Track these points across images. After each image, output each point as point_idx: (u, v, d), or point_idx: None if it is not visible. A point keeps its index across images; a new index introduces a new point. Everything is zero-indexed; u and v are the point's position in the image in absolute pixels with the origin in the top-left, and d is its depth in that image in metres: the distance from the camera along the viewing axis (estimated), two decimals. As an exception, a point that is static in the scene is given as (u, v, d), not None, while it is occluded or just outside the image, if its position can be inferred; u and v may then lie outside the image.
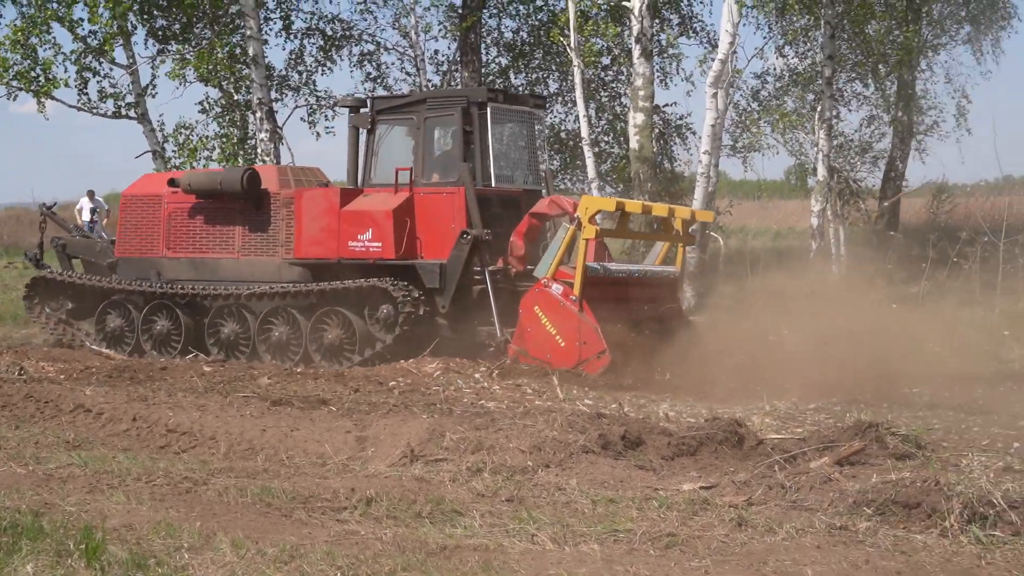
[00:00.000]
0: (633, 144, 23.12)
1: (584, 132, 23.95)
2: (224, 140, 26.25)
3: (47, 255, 20.10)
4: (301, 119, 30.64)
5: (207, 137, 26.47)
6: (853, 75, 29.95)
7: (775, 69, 29.63)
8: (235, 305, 17.26)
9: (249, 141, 25.96)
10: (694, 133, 28.86)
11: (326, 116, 29.84)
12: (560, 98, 29.65)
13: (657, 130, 27.37)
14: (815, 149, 27.02)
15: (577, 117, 25.43)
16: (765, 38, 30.39)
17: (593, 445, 9.67)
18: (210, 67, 24.95)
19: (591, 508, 8.24)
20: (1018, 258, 19.88)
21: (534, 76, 29.80)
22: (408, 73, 30.14)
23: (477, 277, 16.20)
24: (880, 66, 29.04)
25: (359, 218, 16.46)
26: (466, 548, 7.24)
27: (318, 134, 29.30)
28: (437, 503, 8.35)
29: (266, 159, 23.60)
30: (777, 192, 51.97)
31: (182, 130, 26.58)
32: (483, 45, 29.15)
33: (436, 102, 16.82)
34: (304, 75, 29.37)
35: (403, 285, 15.97)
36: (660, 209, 15.89)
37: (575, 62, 22.85)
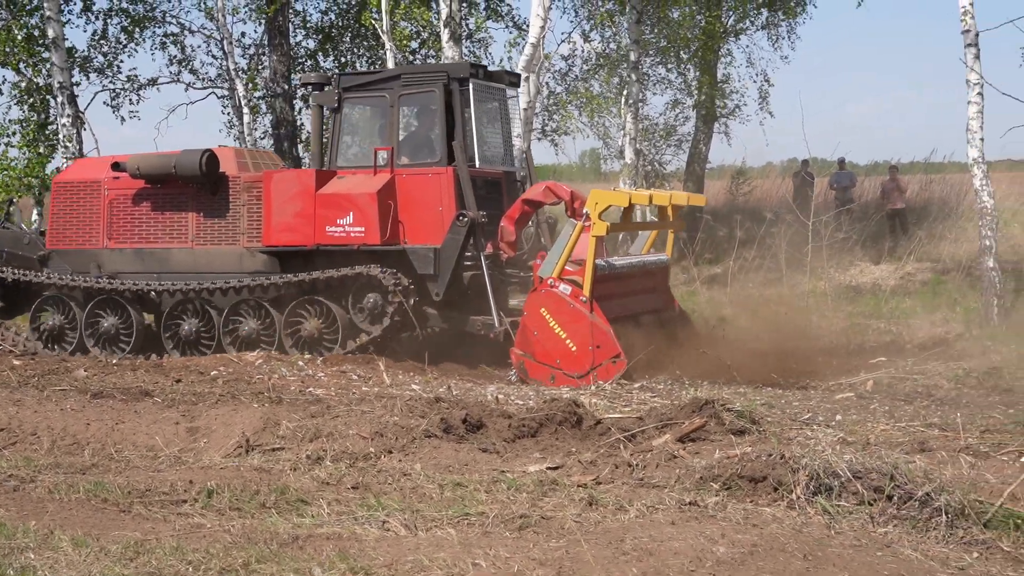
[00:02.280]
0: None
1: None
2: (24, 125, 25.28)
3: None
4: (104, 103, 29.62)
5: (10, 121, 25.50)
6: (658, 60, 30.48)
7: (582, 52, 29.97)
8: (196, 299, 16.12)
9: (50, 126, 25.09)
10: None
11: (131, 100, 29.09)
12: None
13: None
14: (621, 132, 27.39)
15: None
16: (572, 22, 30.70)
17: (435, 429, 9.63)
18: (7, 49, 24.02)
19: (439, 492, 8.20)
20: (823, 239, 20.48)
21: (343, 60, 29.52)
22: (215, 56, 29.62)
23: (468, 263, 15.45)
24: (683, 51, 29.62)
25: (338, 201, 15.43)
26: (319, 537, 7.13)
27: (123, 119, 28.54)
28: (281, 493, 8.22)
29: (68, 145, 22.81)
30: (575, 176, 52.59)
31: (-21, 115, 25.52)
32: (291, 27, 28.73)
33: (412, 78, 15.85)
34: (107, 57, 28.56)
35: (393, 272, 15.11)
36: (661, 197, 15.05)
37: (387, 45, 22.70)
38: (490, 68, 16.87)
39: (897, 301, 20.28)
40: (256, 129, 27.26)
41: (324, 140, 16.29)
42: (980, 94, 17.52)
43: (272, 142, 27.50)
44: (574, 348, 13.75)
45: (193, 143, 41.52)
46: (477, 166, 15.61)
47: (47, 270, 17.13)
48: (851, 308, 19.76)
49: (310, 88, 16.82)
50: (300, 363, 14.61)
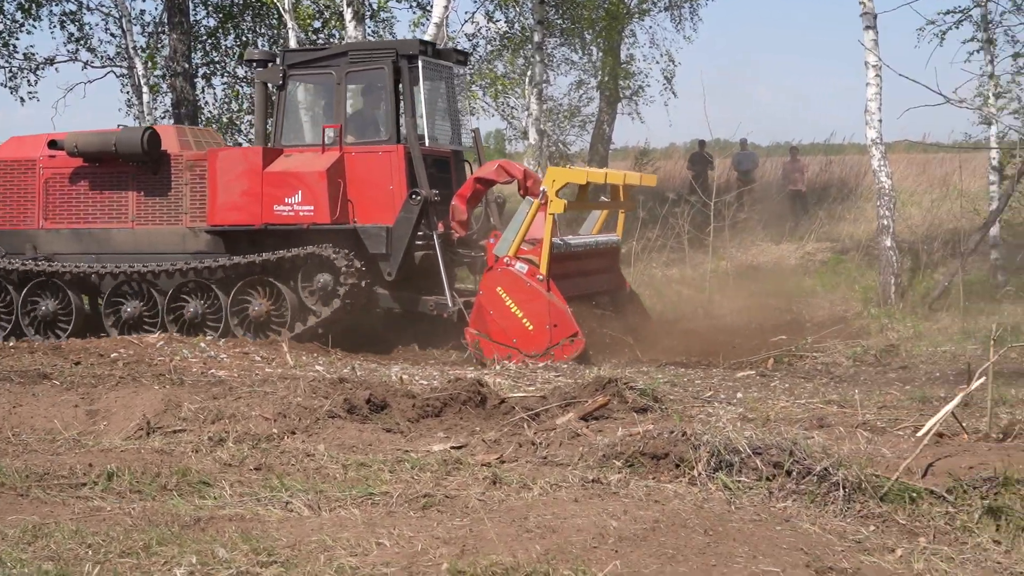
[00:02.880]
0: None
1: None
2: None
3: None
4: (1, 84, 28.94)
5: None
6: (562, 41, 30.54)
7: (487, 32, 29.92)
8: (139, 281, 15.78)
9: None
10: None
11: (28, 81, 28.55)
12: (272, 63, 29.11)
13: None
14: (526, 113, 27.43)
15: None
16: (476, 2, 30.68)
17: (339, 410, 9.60)
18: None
19: (343, 473, 8.18)
20: (724, 219, 20.71)
21: (245, 39, 29.19)
22: (113, 34, 29.16)
23: (419, 243, 15.28)
24: (587, 32, 29.70)
25: (286, 180, 15.20)
26: (221, 519, 7.07)
27: (22, 99, 28.01)
28: (183, 475, 8.13)
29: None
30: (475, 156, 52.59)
31: None
32: (192, 5, 28.30)
33: (360, 55, 15.61)
34: (3, 36, 27.97)
35: (345, 253, 14.91)
36: (616, 176, 15.11)
37: (290, 24, 22.47)
38: (443, 47, 16.77)
39: (797, 280, 20.58)
40: (156, 108, 26.93)
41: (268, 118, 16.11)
42: (879, 76, 17.79)
43: (172, 122, 27.15)
44: (531, 327, 13.73)
45: (92, 123, 40.86)
46: (426, 144, 15.48)
47: None
48: (752, 287, 19.99)
49: (254, 65, 16.58)
50: (202, 344, 14.49)
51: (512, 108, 30.55)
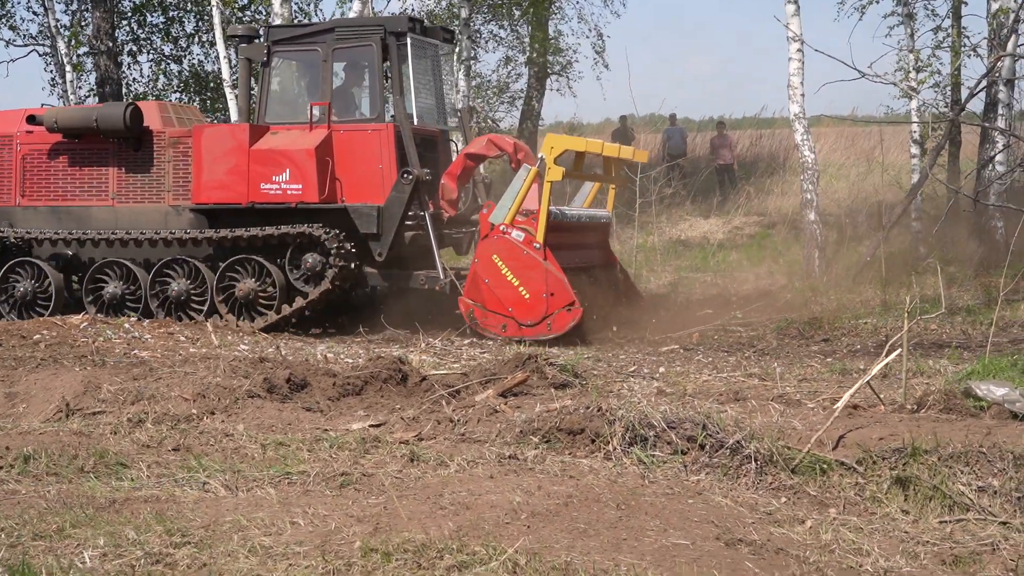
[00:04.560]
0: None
1: (225, 74, 23.34)
2: None
3: None
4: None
5: None
6: (490, 16, 30.49)
7: (413, 9, 29.78)
8: (120, 259, 15.53)
9: None
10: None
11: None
12: (197, 38, 28.94)
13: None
14: (454, 90, 27.40)
15: (218, 57, 24.81)
16: (403, -22, 30.48)
17: (258, 389, 9.57)
18: None
19: (261, 452, 8.17)
20: (651, 194, 20.82)
21: (170, 16, 28.92)
22: (35, 12, 28.78)
23: (410, 222, 15.13)
24: (515, 7, 29.66)
25: (274, 158, 14.98)
26: (136, 500, 7.05)
27: (-58, 78, 27.60)
28: (100, 456, 8.09)
29: None
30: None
31: None
32: (116, -17, 28.04)
33: (347, 32, 15.40)
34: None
35: (335, 233, 14.73)
36: (611, 149, 14.79)
37: (214, 2, 22.30)
38: (430, 25, 16.64)
39: (724, 255, 20.78)
40: (80, 87, 26.62)
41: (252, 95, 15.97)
42: (800, 50, 17.95)
43: (97, 101, 26.85)
44: (527, 296, 13.64)
45: (15, 102, 40.39)
46: (415, 123, 15.36)
47: None
48: (679, 262, 20.17)
49: (236, 41, 16.36)
50: (127, 325, 14.38)
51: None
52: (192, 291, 15.37)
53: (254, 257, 15.12)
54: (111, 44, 26.27)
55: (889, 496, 6.78)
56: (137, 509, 6.82)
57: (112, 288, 15.64)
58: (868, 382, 8.20)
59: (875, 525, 6.42)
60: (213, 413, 9.18)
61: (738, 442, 7.22)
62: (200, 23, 28.41)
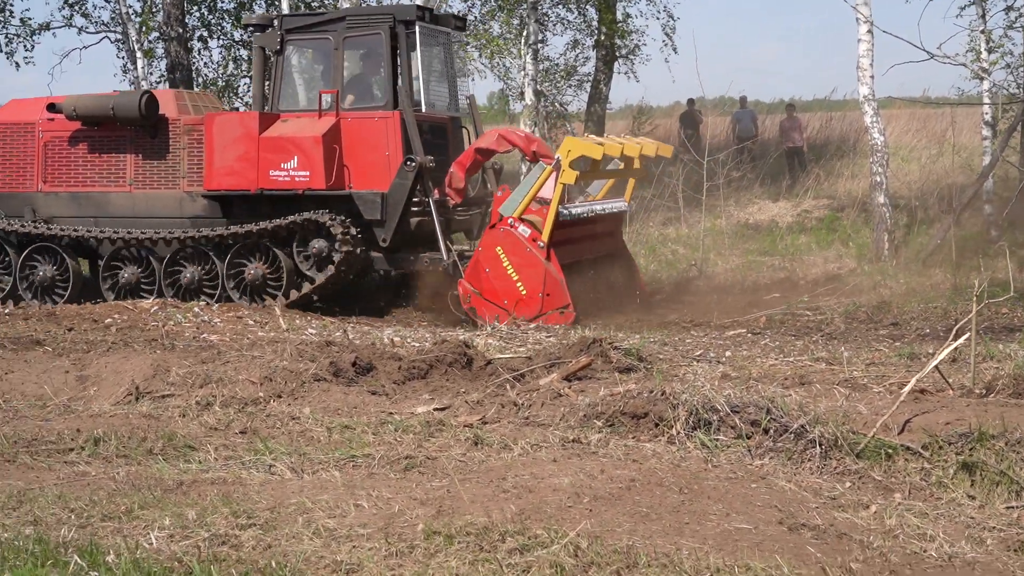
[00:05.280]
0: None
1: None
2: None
3: None
4: (-1, 50, 28.85)
5: None
6: (557, 0, 30.38)
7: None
8: (136, 245, 15.79)
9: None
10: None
11: (25, 46, 28.49)
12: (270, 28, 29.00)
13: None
14: (522, 74, 27.34)
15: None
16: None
17: (325, 373, 9.65)
18: None
19: (327, 435, 8.24)
20: (719, 177, 20.69)
21: (241, 1, 29.07)
22: (107, 0, 29.06)
23: (415, 208, 15.28)
24: (583, -10, 29.56)
25: (282, 145, 15.18)
26: (203, 482, 7.15)
27: (17, 64, 27.97)
28: (169, 439, 8.20)
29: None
30: (485, 118, 52.53)
31: None
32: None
33: (357, 20, 15.57)
34: (-1, 2, 27.93)
35: (341, 219, 14.92)
36: (632, 149, 14.89)
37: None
38: (440, 13, 16.73)
39: (793, 238, 20.60)
40: (152, 73, 26.86)
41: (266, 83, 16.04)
42: (870, 32, 17.76)
43: (167, 86, 27.09)
44: (524, 292, 13.75)
45: (88, 88, 40.79)
46: (424, 110, 15.48)
47: None
48: (747, 246, 20.02)
49: (251, 30, 16.49)
50: (196, 309, 14.53)
51: (508, 69, 30.41)
52: (204, 277, 15.60)
53: (263, 243, 15.34)
54: (181, 30, 26.43)
55: (955, 481, 6.72)
56: (204, 491, 6.91)
57: (128, 273, 15.87)
58: (936, 366, 8.11)
59: (940, 510, 6.37)
60: (280, 396, 9.26)
61: (802, 426, 7.18)
62: (270, 8, 28.53)
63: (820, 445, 7.07)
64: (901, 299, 14.83)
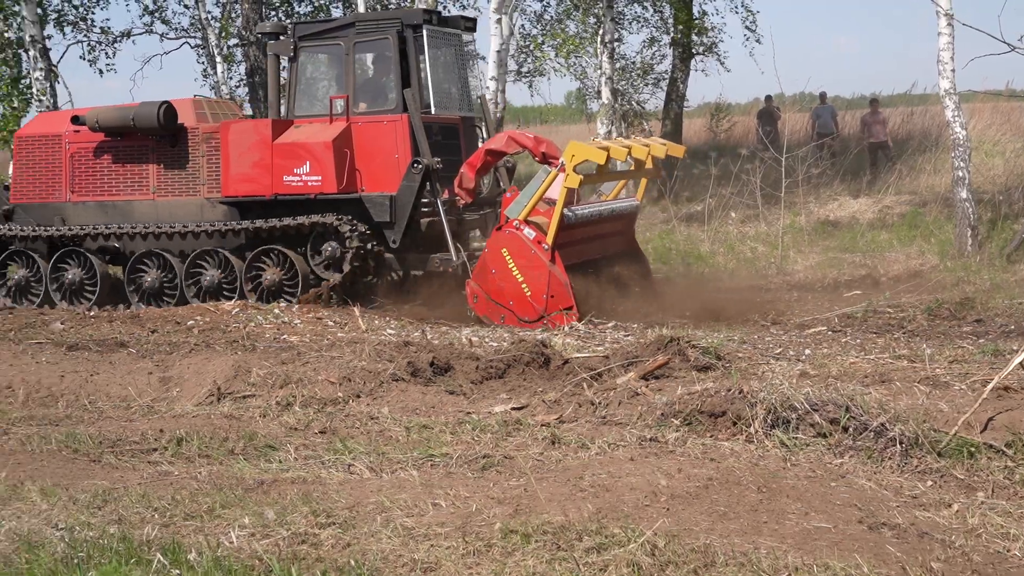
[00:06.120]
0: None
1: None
2: (-4, 80, 25.10)
3: None
4: (80, 57, 29.40)
5: (-20, 77, 25.26)
6: (633, -2, 30.35)
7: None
8: (158, 249, 16.13)
9: (23, 80, 24.91)
10: (482, 59, 28.89)
11: (106, 53, 28.94)
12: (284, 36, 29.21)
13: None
14: (598, 72, 27.30)
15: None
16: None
17: (402, 373, 9.71)
18: (-22, 6, 23.87)
19: (405, 435, 8.29)
20: (798, 174, 20.50)
21: (317, 5, 29.34)
22: (187, 6, 29.46)
23: (425, 209, 15.52)
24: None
25: (294, 151, 15.45)
26: (284, 482, 7.22)
27: (100, 71, 28.42)
28: (250, 439, 8.30)
29: (42, 99, 22.72)
30: (558, 116, 52.58)
31: (-48, 71, 25.24)
32: (262, -25, 28.50)
33: (366, 26, 15.79)
34: (80, 10, 28.39)
35: (350, 221, 15.15)
36: (639, 151, 14.92)
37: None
38: (445, 14, 16.87)
39: (874, 235, 20.34)
40: (231, 78, 27.19)
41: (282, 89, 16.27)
42: (950, 25, 17.53)
43: (248, 91, 27.38)
44: (529, 293, 13.87)
45: (169, 94, 41.32)
46: (433, 112, 15.70)
47: (11, 224, 17.11)
48: (827, 243, 19.83)
49: (265, 37, 16.77)
50: (276, 311, 14.66)
51: (584, 68, 30.41)
52: (223, 280, 15.84)
53: (278, 247, 15.57)
54: (260, 35, 26.74)
55: (1040, 480, 6.63)
56: (284, 490, 6.98)
57: (151, 277, 16.15)
58: (1021, 363, 7.99)
59: (1024, 509, 6.28)
60: (358, 396, 9.34)
61: (882, 424, 7.11)
62: (346, 11, 28.75)
63: (901, 443, 7.00)
64: (985, 295, 14.60)
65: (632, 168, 15.60)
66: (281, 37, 16.20)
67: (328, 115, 15.58)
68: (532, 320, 13.76)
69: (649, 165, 15.61)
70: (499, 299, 14.03)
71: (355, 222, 15.19)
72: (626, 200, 16.26)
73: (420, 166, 15.02)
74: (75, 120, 16.87)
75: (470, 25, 17.11)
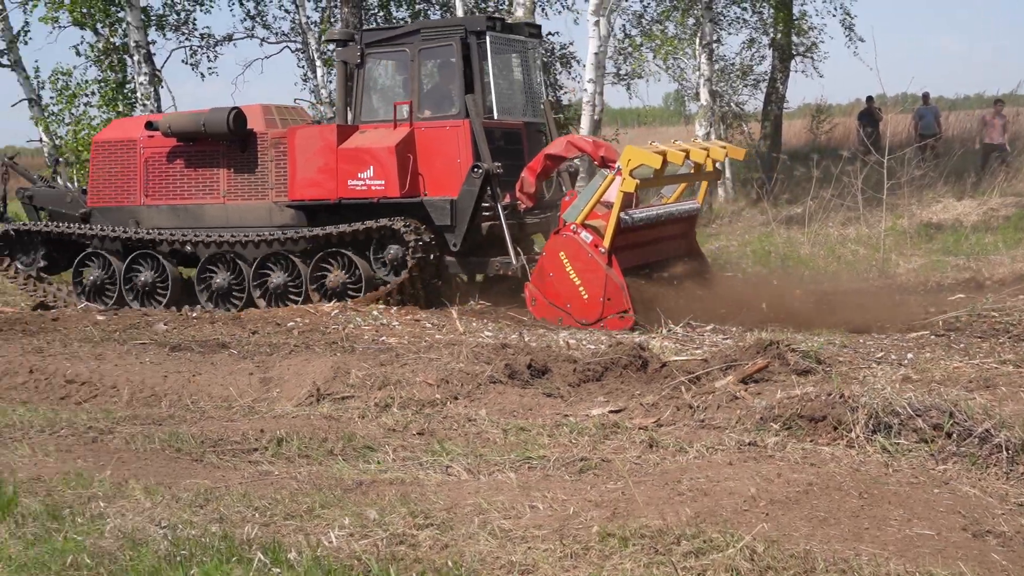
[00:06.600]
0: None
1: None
2: (103, 85, 25.51)
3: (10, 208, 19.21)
4: (182, 61, 29.96)
5: (86, 82, 25.72)
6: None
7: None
8: (228, 252, 16.48)
9: (128, 85, 25.36)
10: (578, 62, 28.88)
11: (208, 57, 29.37)
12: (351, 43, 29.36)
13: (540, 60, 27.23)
14: (697, 74, 27.17)
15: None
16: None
17: (500, 375, 9.73)
18: (84, 10, 24.30)
19: (502, 437, 8.30)
20: (900, 175, 20.21)
21: (416, 9, 29.49)
22: (287, 10, 29.76)
23: (486, 213, 15.73)
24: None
25: (359, 156, 15.73)
26: (382, 482, 7.27)
27: (202, 75, 28.85)
28: (348, 440, 8.36)
29: (146, 103, 23.12)
30: (656, 119, 52.46)
31: (59, 76, 25.72)
32: (362, -22, 28.72)
33: (431, 32, 16.05)
34: (182, 15, 28.84)
35: (414, 226, 15.37)
36: (698, 155, 15.01)
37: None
38: (509, 20, 17.05)
39: (978, 237, 20.01)
40: (331, 81, 27.41)
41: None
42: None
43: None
44: (586, 296, 13.95)
45: (270, 97, 41.80)
46: (495, 117, 15.87)
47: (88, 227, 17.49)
48: (930, 246, 19.54)
49: (334, 45, 17.00)
50: (375, 313, 14.77)
51: (683, 70, 30.29)
52: (289, 283, 16.08)
53: (342, 251, 15.79)
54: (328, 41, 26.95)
55: None
56: (382, 491, 7.02)
57: (220, 279, 16.47)
58: None
59: None
60: (456, 398, 9.37)
61: (987, 430, 6.98)
62: (445, 15, 28.87)
63: (1007, 450, 6.86)
64: (1095, 300, 14.29)
65: (692, 171, 15.56)
66: (349, 44, 16.42)
67: (392, 120, 15.78)
68: (590, 323, 13.86)
69: (709, 169, 15.64)
70: (557, 302, 14.16)
71: (417, 226, 15.40)
72: (686, 203, 16.28)
73: (480, 171, 15.21)
74: (149, 126, 17.31)
75: (535, 32, 17.30)
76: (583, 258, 13.97)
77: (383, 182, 15.57)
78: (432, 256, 15.51)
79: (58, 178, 19.51)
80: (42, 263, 17.81)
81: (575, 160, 16.21)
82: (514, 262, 15.22)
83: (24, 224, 18.04)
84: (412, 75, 16.03)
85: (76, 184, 19.78)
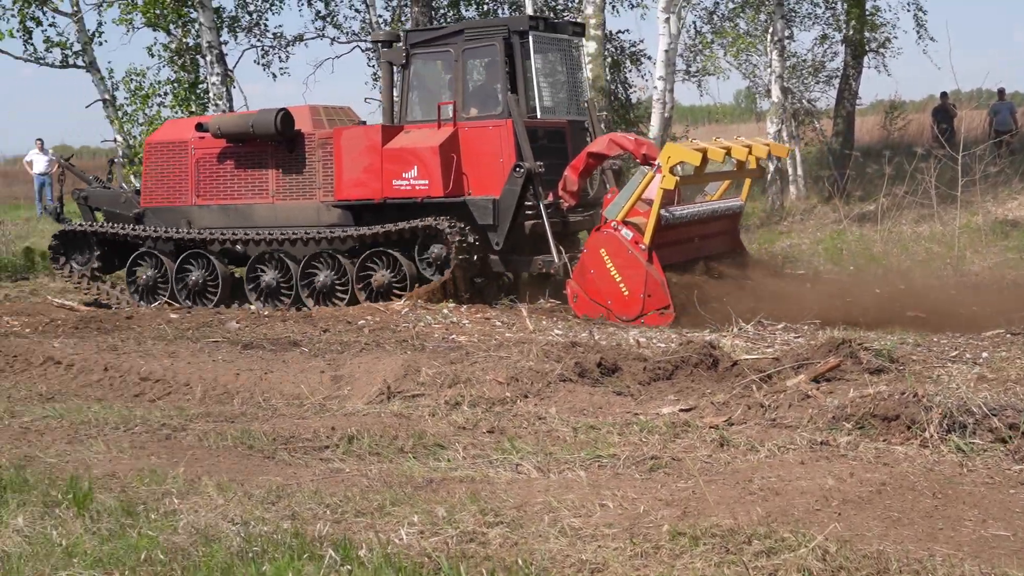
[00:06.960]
0: (586, 73, 23.00)
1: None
2: (176, 85, 25.78)
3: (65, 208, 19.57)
4: (254, 61, 30.17)
5: (158, 83, 26.01)
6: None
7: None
8: (277, 251, 16.71)
9: (200, 85, 25.61)
10: (649, 59, 28.78)
11: (279, 57, 29.58)
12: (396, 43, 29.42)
13: (610, 58, 27.21)
14: (768, 71, 26.98)
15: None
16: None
17: (570, 373, 9.73)
18: (157, 12, 24.57)
19: (572, 435, 8.29)
20: (975, 172, 19.95)
21: (486, 8, 29.52)
22: (357, 10, 29.90)
23: (529, 212, 15.80)
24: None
25: (403, 156, 15.87)
26: (452, 480, 7.29)
27: (274, 75, 29.06)
28: (419, 438, 8.39)
29: (218, 103, 23.33)
30: (727, 116, 52.21)
31: (133, 76, 26.04)
32: (433, -22, 28.81)
33: (475, 32, 16.15)
34: (254, 15, 29.06)
35: (458, 226, 15.48)
36: (739, 152, 14.98)
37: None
38: (552, 20, 17.11)
39: (1056, 235, 19.73)
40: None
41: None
42: None
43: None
44: (627, 293, 14.07)
45: (340, 97, 42.17)
46: (539, 116, 15.97)
47: (141, 227, 17.79)
48: (1005, 243, 19.29)
49: (380, 46, 17.13)
50: (445, 311, 14.81)
51: (754, 66, 30.10)
52: (336, 281, 16.26)
53: (388, 250, 15.93)
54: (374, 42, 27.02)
55: None
56: (453, 489, 7.04)
57: (268, 277, 16.69)
58: None
59: None
60: (526, 396, 9.38)
61: (1064, 430, 6.88)
62: (514, 13, 28.88)
63: (1084, 450, 6.77)
64: None
65: (735, 169, 15.52)
66: (394, 45, 16.58)
67: (436, 120, 15.87)
68: (630, 319, 13.96)
69: (752, 166, 15.60)
70: (598, 298, 14.28)
71: (460, 225, 15.49)
72: (728, 200, 16.32)
73: (522, 170, 15.25)
74: (199, 127, 17.53)
75: (578, 30, 17.38)
76: (623, 255, 14.09)
77: (427, 182, 15.69)
78: (475, 256, 15.61)
79: (113, 178, 19.77)
80: (96, 263, 18.16)
81: (615, 157, 16.18)
82: (556, 260, 15.28)
83: (80, 224, 18.35)
84: (456, 75, 16.12)
85: (131, 184, 20.08)
